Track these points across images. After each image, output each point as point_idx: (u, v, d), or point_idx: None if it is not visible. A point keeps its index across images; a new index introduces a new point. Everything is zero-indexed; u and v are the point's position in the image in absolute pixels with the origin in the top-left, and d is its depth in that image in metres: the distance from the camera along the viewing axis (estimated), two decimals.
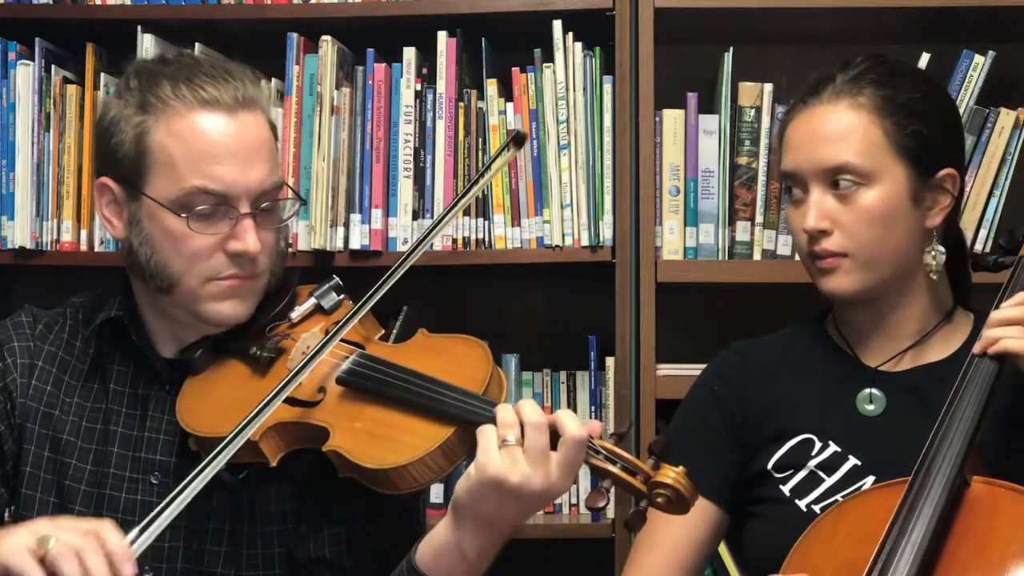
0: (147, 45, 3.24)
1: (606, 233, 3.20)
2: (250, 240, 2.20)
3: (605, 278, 3.20)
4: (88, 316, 2.34)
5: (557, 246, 3.22)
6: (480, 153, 3.24)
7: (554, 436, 1.99)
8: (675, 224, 3.21)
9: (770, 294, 3.16)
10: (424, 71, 3.26)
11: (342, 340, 2.17)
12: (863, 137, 2.29)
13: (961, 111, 3.11)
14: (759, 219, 3.19)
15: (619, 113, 3.19)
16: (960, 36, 3.23)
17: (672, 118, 3.22)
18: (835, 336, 2.44)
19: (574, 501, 3.33)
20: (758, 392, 2.42)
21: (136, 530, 1.93)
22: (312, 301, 2.30)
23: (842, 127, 2.30)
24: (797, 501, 2.32)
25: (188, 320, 2.27)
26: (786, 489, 2.34)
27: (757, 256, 3.20)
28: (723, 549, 3.03)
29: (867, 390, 2.36)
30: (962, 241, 2.49)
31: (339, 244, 3.23)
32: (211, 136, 2.20)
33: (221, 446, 2.01)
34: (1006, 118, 3.14)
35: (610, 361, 3.24)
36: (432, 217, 3.22)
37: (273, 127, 2.31)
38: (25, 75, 3.28)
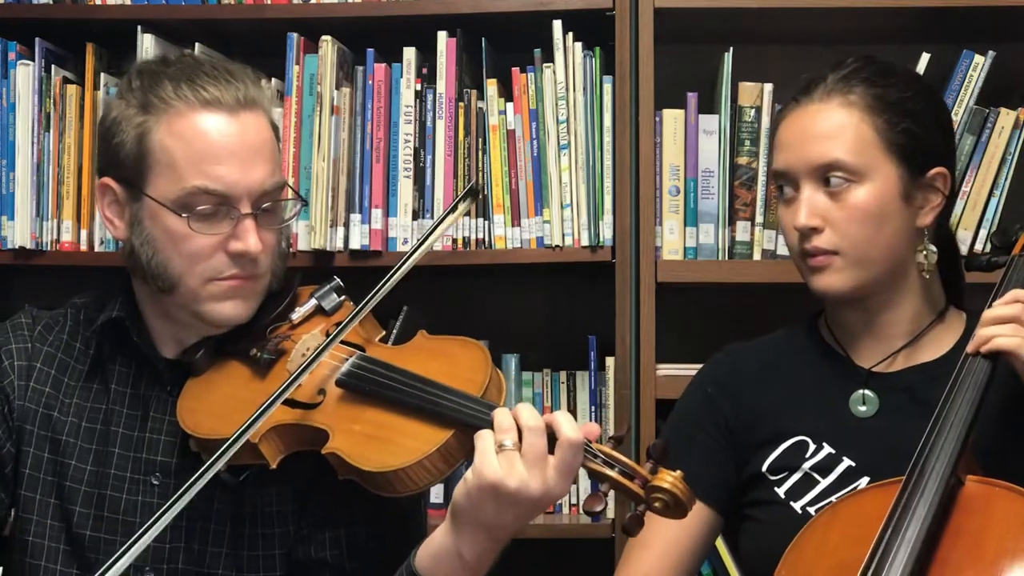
0: (147, 45, 3.24)
1: (606, 233, 3.20)
2: (251, 240, 2.20)
3: (605, 278, 3.20)
4: (89, 317, 2.34)
5: (557, 246, 3.22)
6: (480, 153, 3.24)
7: (552, 439, 1.99)
8: (675, 224, 3.21)
9: (770, 294, 3.15)
10: (424, 71, 3.25)
11: (342, 342, 2.17)
12: (854, 135, 2.30)
13: (961, 111, 3.13)
14: (759, 219, 3.19)
15: (619, 113, 3.19)
16: (960, 36, 3.23)
17: (672, 118, 3.22)
18: (828, 337, 2.44)
19: (574, 502, 3.33)
20: (751, 394, 2.42)
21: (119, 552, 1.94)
22: (313, 302, 2.30)
23: (833, 125, 2.30)
24: (792, 503, 2.32)
25: (189, 321, 2.27)
26: (781, 491, 2.34)
27: (757, 256, 3.20)
28: (723, 549, 3.04)
29: (860, 391, 2.36)
30: (953, 241, 2.50)
31: (339, 244, 3.23)
32: (212, 136, 2.20)
33: (221, 450, 2.01)
34: (1006, 118, 3.14)
35: (610, 361, 3.24)
36: (432, 217, 3.22)
37: (275, 127, 2.31)
38: (25, 75, 3.28)
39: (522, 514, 2.01)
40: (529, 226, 3.22)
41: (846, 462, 2.31)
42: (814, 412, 2.37)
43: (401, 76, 3.24)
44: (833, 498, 2.27)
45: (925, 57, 3.11)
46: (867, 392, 2.36)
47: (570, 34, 3.21)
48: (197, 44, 3.25)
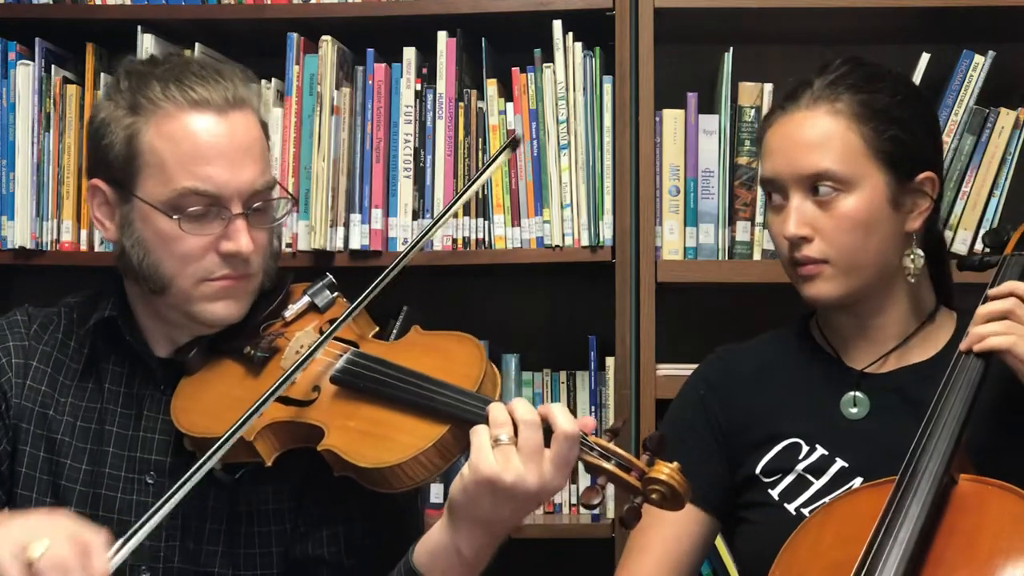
0: (147, 45, 3.24)
1: (606, 233, 3.19)
2: (243, 241, 2.20)
3: (605, 278, 3.19)
4: (82, 316, 2.34)
5: (557, 246, 3.21)
6: (480, 153, 3.24)
7: (548, 433, 1.98)
8: (675, 224, 3.21)
9: (770, 294, 3.13)
10: (424, 71, 3.25)
11: (336, 338, 2.17)
12: (842, 144, 2.29)
13: (961, 111, 3.12)
14: (759, 219, 3.18)
15: (619, 113, 3.19)
16: (960, 36, 3.22)
17: (672, 118, 3.22)
18: (819, 339, 2.44)
19: (574, 501, 3.32)
20: (744, 396, 2.43)
21: (120, 541, 1.93)
22: (305, 299, 2.30)
23: (821, 134, 2.30)
24: (786, 505, 2.32)
25: (182, 321, 2.27)
26: (775, 493, 2.34)
27: (757, 256, 3.19)
28: (723, 550, 3.03)
29: (851, 394, 2.36)
30: (942, 242, 2.50)
31: (339, 244, 3.23)
32: (201, 137, 2.19)
33: (214, 448, 2.01)
34: (1006, 118, 3.14)
35: (610, 361, 3.24)
36: (432, 217, 3.22)
37: (264, 126, 2.30)
38: (25, 75, 3.28)
39: (519, 508, 2.01)
40: (529, 226, 3.22)
41: (839, 463, 2.31)
42: (806, 414, 2.37)
43: (401, 76, 3.24)
44: (827, 499, 2.27)
45: (925, 57, 3.11)
46: (858, 394, 2.36)
47: (570, 34, 3.20)
48: (197, 44, 3.24)
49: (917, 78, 3.08)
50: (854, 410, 2.35)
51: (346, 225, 3.23)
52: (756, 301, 3.26)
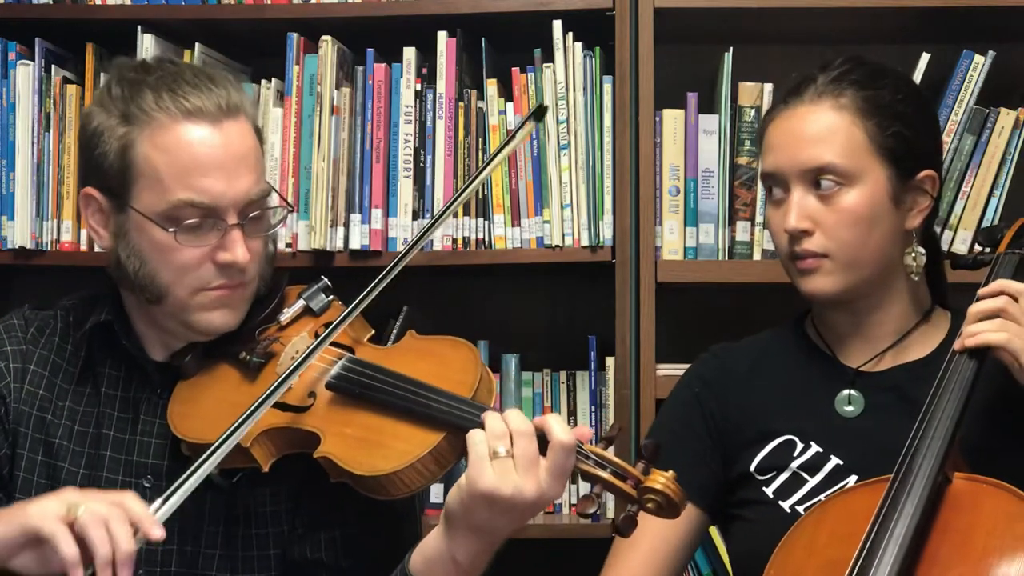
0: (147, 45, 3.24)
1: (606, 233, 3.19)
2: (239, 251, 2.19)
3: (605, 278, 3.19)
4: (79, 319, 2.33)
5: (557, 246, 3.21)
6: (480, 153, 3.24)
7: (544, 443, 1.98)
8: (675, 224, 3.20)
9: (770, 294, 3.13)
10: (424, 71, 3.25)
11: (332, 343, 2.17)
12: (845, 138, 2.30)
13: (961, 111, 3.12)
14: (759, 219, 3.18)
15: (619, 113, 3.19)
16: (960, 36, 3.22)
17: (672, 118, 3.21)
18: (815, 337, 2.45)
19: (574, 502, 3.32)
20: (738, 394, 2.43)
21: (159, 500, 1.96)
22: (301, 303, 2.30)
23: (824, 127, 2.31)
24: (781, 502, 2.33)
25: (178, 329, 2.27)
26: (769, 491, 2.34)
27: (757, 256, 3.19)
28: (723, 549, 3.03)
29: (845, 392, 2.36)
30: (936, 241, 2.50)
31: (339, 244, 3.23)
32: (196, 148, 2.18)
33: (207, 454, 2.01)
34: (1006, 118, 3.13)
35: (610, 361, 3.24)
36: (432, 217, 3.21)
37: (259, 131, 2.29)
38: (25, 75, 3.28)
39: (516, 518, 2.01)
40: (529, 226, 3.22)
41: (834, 461, 2.31)
42: (801, 412, 2.37)
43: (401, 76, 3.24)
44: (822, 497, 2.27)
45: (925, 57, 3.11)
46: (853, 392, 2.36)
47: (570, 34, 3.20)
48: (197, 44, 3.25)
49: (917, 78, 3.08)
50: (849, 408, 2.36)
51: (346, 225, 3.23)
52: (756, 301, 3.26)
